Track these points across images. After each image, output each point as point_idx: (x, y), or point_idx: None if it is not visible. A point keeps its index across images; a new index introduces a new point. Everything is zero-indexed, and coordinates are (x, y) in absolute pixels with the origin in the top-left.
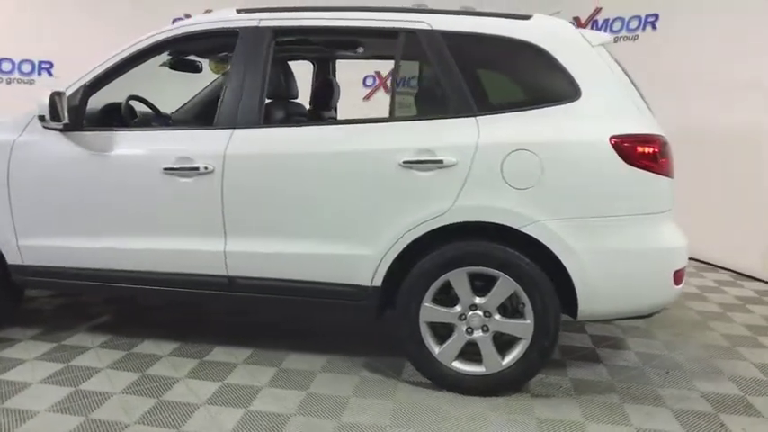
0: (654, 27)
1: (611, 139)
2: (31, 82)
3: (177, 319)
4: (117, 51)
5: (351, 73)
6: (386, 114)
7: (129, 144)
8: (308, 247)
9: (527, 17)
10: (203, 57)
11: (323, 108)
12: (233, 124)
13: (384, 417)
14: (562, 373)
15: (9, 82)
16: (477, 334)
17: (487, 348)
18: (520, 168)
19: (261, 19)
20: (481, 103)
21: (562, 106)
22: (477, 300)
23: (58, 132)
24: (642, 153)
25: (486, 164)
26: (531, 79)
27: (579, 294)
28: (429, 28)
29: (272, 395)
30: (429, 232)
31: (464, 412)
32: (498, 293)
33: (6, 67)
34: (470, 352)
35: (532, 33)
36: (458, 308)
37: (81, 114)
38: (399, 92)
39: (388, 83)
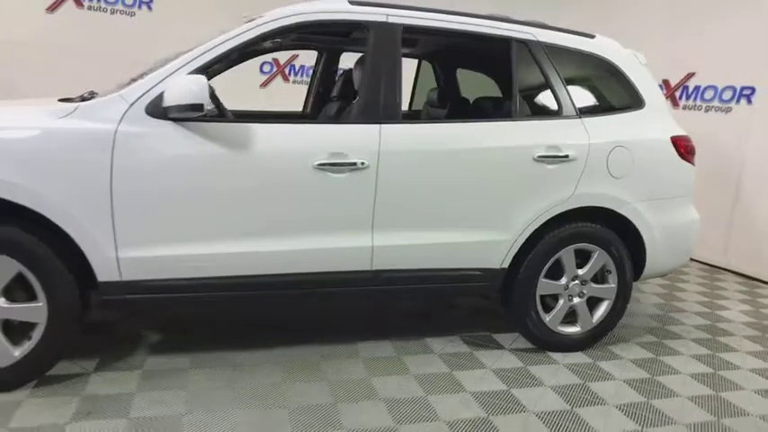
0: (749, 101)
1: (671, 138)
2: None
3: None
4: (227, 36)
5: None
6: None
7: (273, 138)
8: (450, 237)
9: (592, 36)
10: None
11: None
12: (378, 119)
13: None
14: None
15: None
16: (576, 300)
17: (583, 311)
18: (618, 161)
19: (388, 15)
20: (579, 108)
21: (635, 112)
22: (579, 272)
23: (173, 123)
24: (687, 148)
25: (597, 158)
26: (606, 89)
27: (648, 259)
28: (534, 39)
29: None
30: (553, 217)
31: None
32: (595, 265)
33: None
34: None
35: (604, 50)
36: (563, 280)
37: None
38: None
39: (287, 70)
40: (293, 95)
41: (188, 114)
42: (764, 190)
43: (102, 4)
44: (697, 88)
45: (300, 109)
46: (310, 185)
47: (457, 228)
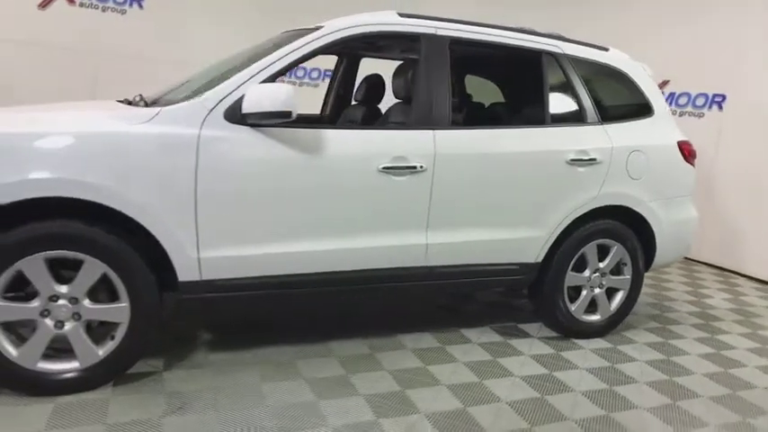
0: (720, 107)
1: (678, 143)
2: None
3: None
4: (289, 48)
5: None
6: None
7: (342, 142)
8: (494, 234)
9: (606, 49)
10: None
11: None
12: (431, 125)
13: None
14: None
15: None
16: (597, 291)
17: (603, 301)
18: (636, 164)
19: (437, 27)
20: (601, 115)
21: (646, 119)
22: (600, 265)
23: (250, 128)
24: (690, 152)
25: (618, 161)
26: (621, 98)
27: (658, 252)
28: (561, 51)
29: None
30: (581, 215)
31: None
32: (614, 258)
33: None
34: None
35: (618, 62)
36: (587, 272)
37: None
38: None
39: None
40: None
41: (274, 121)
42: (733, 189)
43: (94, 1)
44: (672, 95)
45: (315, 111)
46: (375, 188)
47: (500, 225)
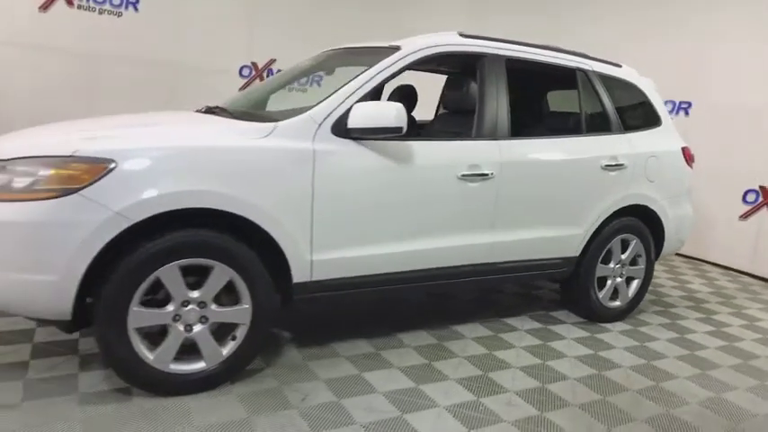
0: (687, 113)
1: (681, 148)
2: None
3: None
4: (382, 67)
5: (225, 60)
6: None
7: (429, 153)
8: (545, 232)
9: (619, 65)
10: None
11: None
12: (495, 136)
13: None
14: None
15: None
16: (619, 280)
17: (623, 288)
18: (652, 168)
19: (497, 48)
20: (622, 125)
21: (657, 128)
22: (622, 257)
23: (353, 141)
24: (690, 156)
25: (639, 165)
26: (636, 109)
27: (666, 243)
28: (591, 69)
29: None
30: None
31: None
32: (633, 251)
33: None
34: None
35: (632, 77)
36: (612, 264)
37: None
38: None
39: (265, 74)
40: (272, 101)
41: (383, 136)
42: (699, 185)
43: (92, 4)
44: None
45: None
46: (455, 193)
47: (550, 224)
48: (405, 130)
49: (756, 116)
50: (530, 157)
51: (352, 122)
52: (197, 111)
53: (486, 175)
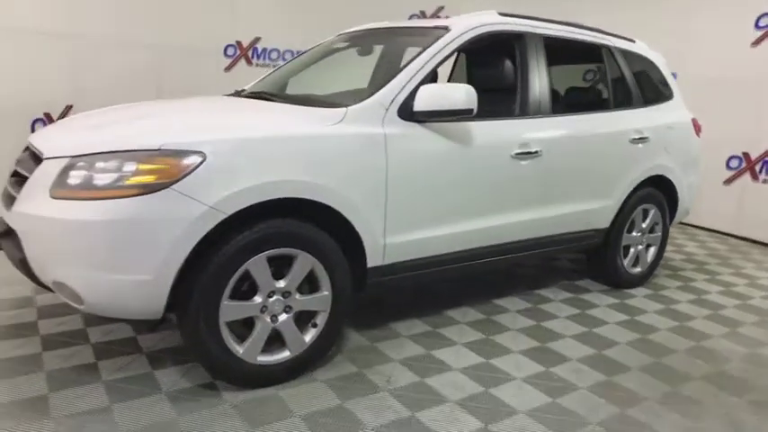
0: None
1: (692, 120)
2: None
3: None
4: (436, 50)
5: (209, 40)
6: None
7: (488, 133)
8: (584, 205)
9: (633, 40)
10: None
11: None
12: (539, 113)
13: None
14: None
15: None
16: (639, 247)
17: (643, 255)
18: (670, 140)
19: (536, 26)
20: (643, 98)
21: (670, 102)
22: (643, 225)
23: (417, 124)
24: (698, 128)
25: (659, 137)
26: (652, 83)
27: (679, 208)
28: (614, 45)
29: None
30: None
31: None
32: (652, 220)
33: None
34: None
35: (646, 51)
36: (634, 233)
37: None
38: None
39: (250, 53)
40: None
41: (452, 118)
42: None
43: None
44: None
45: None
46: (510, 171)
47: (587, 198)
48: (475, 111)
49: (738, 86)
50: (570, 134)
51: (419, 105)
52: (228, 95)
53: (535, 152)
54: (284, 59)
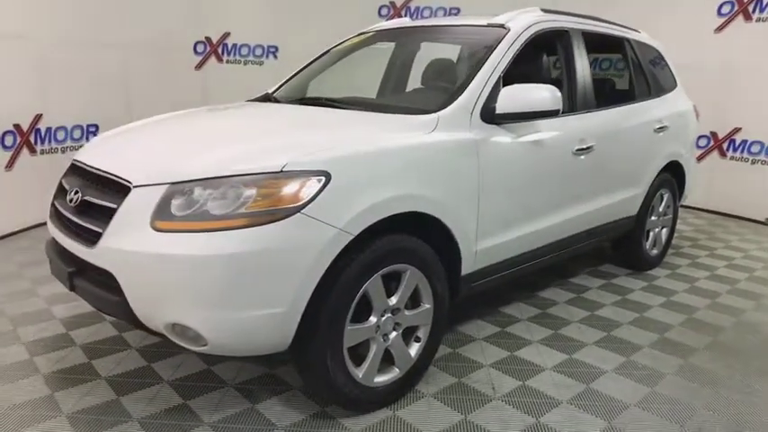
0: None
1: (693, 106)
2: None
3: None
4: (503, 51)
5: (178, 37)
6: None
7: (558, 130)
8: (623, 194)
9: (638, 30)
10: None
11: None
12: (587, 108)
13: None
14: None
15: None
16: (656, 230)
17: (659, 237)
18: (680, 126)
19: (576, 22)
20: (656, 89)
21: (676, 90)
22: (660, 209)
23: (497, 126)
24: (698, 114)
25: (674, 126)
26: (659, 72)
27: (686, 188)
28: (632, 38)
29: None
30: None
31: None
32: (666, 204)
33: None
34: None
35: (652, 41)
36: (653, 217)
37: None
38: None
39: (220, 50)
40: (230, 78)
41: (538, 119)
42: None
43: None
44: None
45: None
46: (572, 167)
47: (625, 186)
48: (561, 111)
49: (703, 71)
50: (614, 127)
51: (502, 107)
52: (251, 100)
53: (589, 147)
54: (255, 55)
